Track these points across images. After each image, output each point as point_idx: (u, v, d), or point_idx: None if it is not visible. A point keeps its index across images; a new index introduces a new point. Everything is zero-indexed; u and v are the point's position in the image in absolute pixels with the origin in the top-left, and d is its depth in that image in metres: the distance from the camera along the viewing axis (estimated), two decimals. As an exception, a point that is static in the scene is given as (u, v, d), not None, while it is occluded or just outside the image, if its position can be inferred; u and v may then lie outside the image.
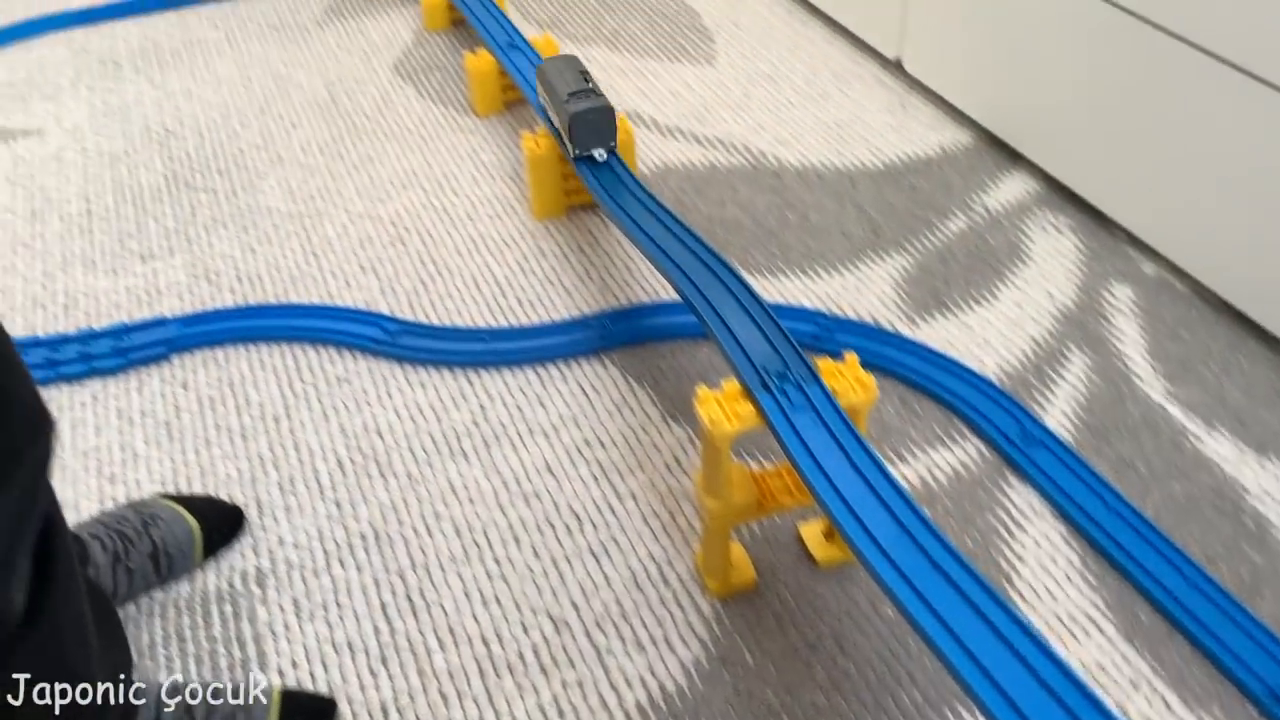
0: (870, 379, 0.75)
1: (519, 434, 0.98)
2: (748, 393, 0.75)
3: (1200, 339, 1.04)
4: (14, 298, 1.17)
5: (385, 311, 1.13)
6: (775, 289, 1.13)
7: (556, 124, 1.14)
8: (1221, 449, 0.93)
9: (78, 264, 1.22)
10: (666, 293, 1.13)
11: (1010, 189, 1.25)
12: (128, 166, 1.38)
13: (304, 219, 1.27)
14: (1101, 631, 0.80)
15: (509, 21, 1.49)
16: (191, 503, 0.89)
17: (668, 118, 1.42)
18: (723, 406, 0.74)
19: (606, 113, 1.09)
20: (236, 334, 1.10)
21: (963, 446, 0.95)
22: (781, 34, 1.60)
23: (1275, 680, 0.74)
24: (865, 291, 1.12)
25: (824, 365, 0.76)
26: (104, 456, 0.98)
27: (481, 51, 1.43)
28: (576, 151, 1.10)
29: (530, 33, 1.60)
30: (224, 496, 0.94)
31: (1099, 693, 0.71)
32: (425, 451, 0.97)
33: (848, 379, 0.76)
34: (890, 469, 0.69)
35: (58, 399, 1.04)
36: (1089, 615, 0.81)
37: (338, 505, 0.93)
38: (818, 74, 1.50)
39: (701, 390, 0.75)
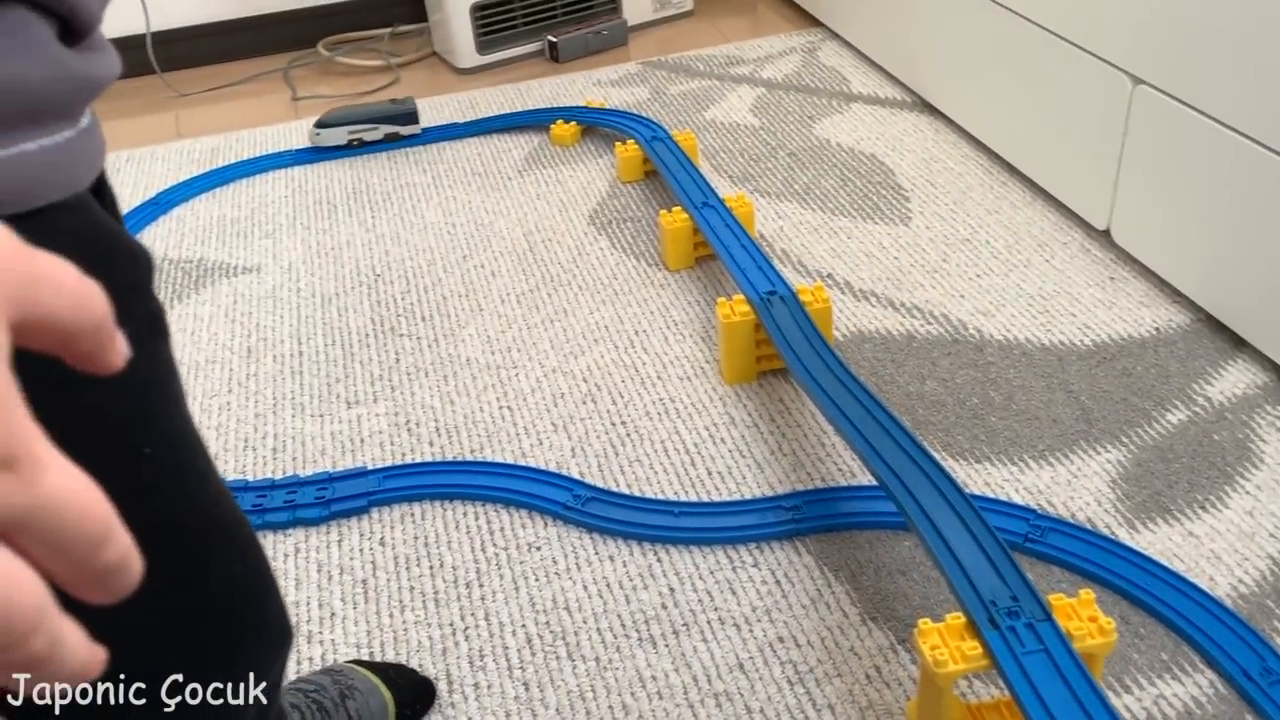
0: (1110, 623, 0.70)
1: (709, 623, 0.96)
2: (974, 629, 0.70)
3: None
4: (228, 437, 1.23)
5: (575, 474, 1.13)
6: (980, 478, 1.08)
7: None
8: None
9: (288, 406, 1.27)
10: (863, 474, 1.10)
11: (1235, 379, 1.18)
12: (338, 309, 1.44)
13: (500, 371, 1.30)
14: None
15: (702, 178, 1.52)
16: (386, 672, 0.90)
17: (862, 281, 1.41)
18: (947, 642, 0.70)
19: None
20: (433, 490, 1.12)
21: (1194, 679, 0.87)
22: (979, 195, 1.57)
23: None
24: (1079, 488, 1.06)
25: (1057, 603, 0.71)
26: (303, 613, 1.00)
27: (676, 210, 1.45)
28: None
29: (723, 188, 1.63)
30: (415, 666, 0.94)
31: None
32: (614, 634, 0.95)
33: (1083, 620, 0.70)
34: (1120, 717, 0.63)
35: (265, 546, 1.07)
36: None
37: (525, 687, 0.91)
38: (1019, 240, 1.46)
39: (924, 624, 0.71)
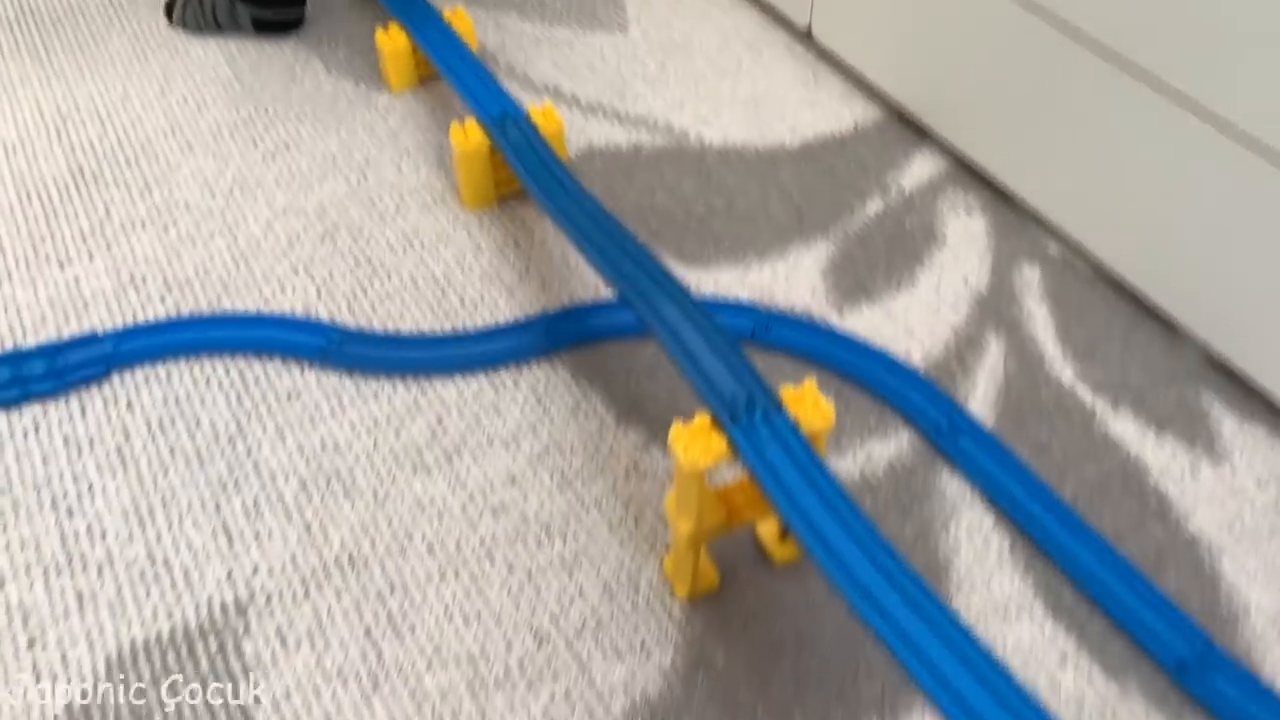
0: (830, 407, 0.81)
1: (479, 445, 1.01)
2: (718, 426, 0.80)
3: (1102, 320, 1.13)
4: (-74, 314, 1.13)
5: (325, 318, 1.13)
6: (710, 281, 1.18)
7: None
8: (1126, 430, 1.03)
9: (-10, 273, 1.17)
10: (605, 290, 1.16)
11: (922, 168, 1.32)
12: (26, 157, 1.31)
13: (225, 214, 1.24)
14: (1031, 614, 0.89)
15: (417, -10, 1.46)
16: None
17: (588, 94, 1.43)
18: (695, 440, 0.79)
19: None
20: (177, 348, 1.08)
21: (896, 439, 1.02)
22: (690, 1, 1.61)
23: (1182, 651, 0.85)
24: (795, 281, 1.18)
25: (786, 394, 0.82)
26: (58, 489, 0.97)
27: (393, 28, 1.40)
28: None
29: None
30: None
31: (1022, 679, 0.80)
32: (387, 468, 0.99)
33: (807, 405, 0.81)
34: (843, 486, 0.75)
35: (-4, 428, 1.02)
36: (1020, 598, 0.90)
37: (308, 529, 0.95)
38: (729, 43, 1.52)
39: (676, 426, 0.80)
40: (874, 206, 1.27)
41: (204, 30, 1.50)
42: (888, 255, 1.21)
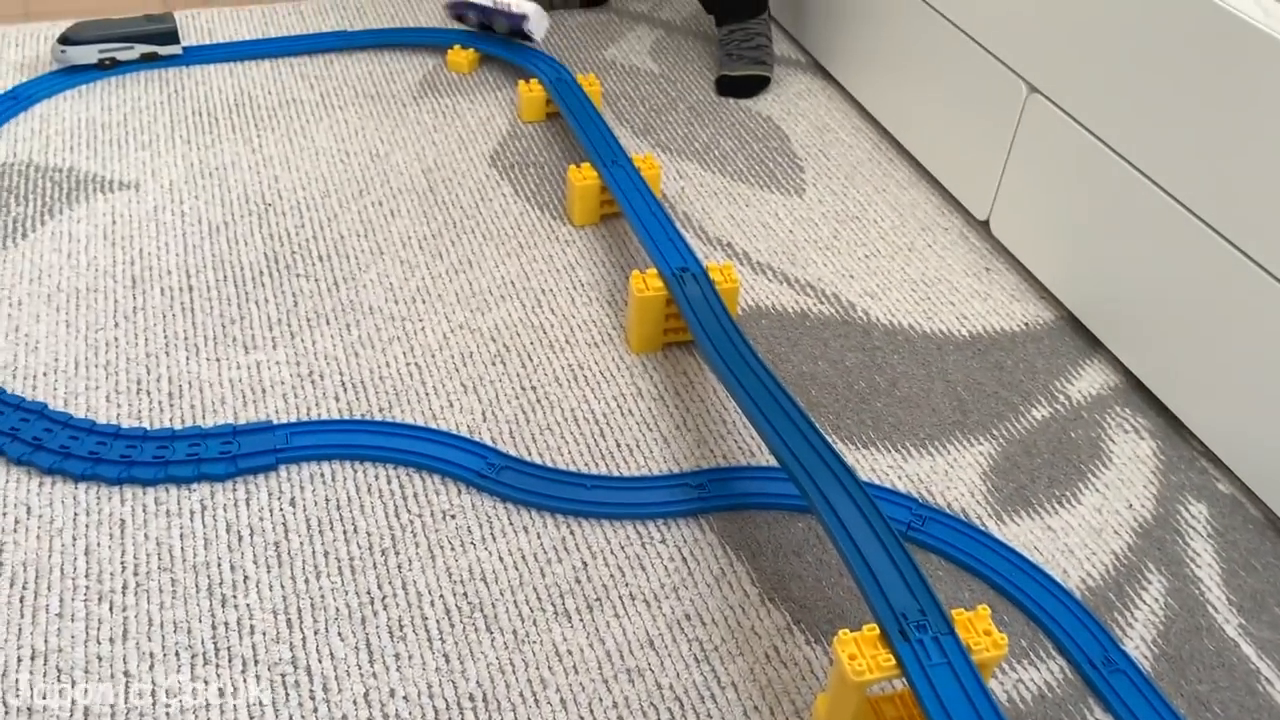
0: (1003, 639, 0.79)
1: (620, 599, 1.01)
2: (887, 639, 0.78)
3: (1273, 573, 1.09)
4: (119, 377, 1.19)
5: (487, 440, 1.15)
6: (867, 464, 1.17)
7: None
8: (1293, 700, 0.97)
9: (181, 347, 1.23)
10: (762, 453, 1.16)
11: (1092, 379, 1.30)
12: (228, 239, 1.39)
13: (405, 323, 1.29)
14: None
15: (609, 131, 1.52)
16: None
17: (759, 252, 1.46)
18: (862, 652, 0.77)
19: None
20: (344, 451, 1.12)
21: (1048, 665, 0.99)
22: (869, 171, 1.64)
23: None
24: (954, 479, 1.16)
25: (958, 617, 0.80)
26: (214, 575, 1.00)
27: (585, 166, 1.46)
28: None
29: (625, 140, 1.63)
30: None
31: None
32: (530, 607, 1.00)
33: (979, 633, 0.79)
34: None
35: (167, 503, 1.06)
36: None
37: (446, 659, 0.95)
38: (905, 221, 1.54)
39: (843, 634, 0.78)
40: (1040, 412, 1.25)
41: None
42: (1051, 466, 1.18)
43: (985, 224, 1.50)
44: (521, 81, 1.68)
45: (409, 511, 1.07)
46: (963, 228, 1.53)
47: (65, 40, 1.64)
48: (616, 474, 1.13)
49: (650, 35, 1.95)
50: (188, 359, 1.22)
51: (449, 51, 1.79)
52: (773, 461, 1.15)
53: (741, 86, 1.74)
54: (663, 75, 1.83)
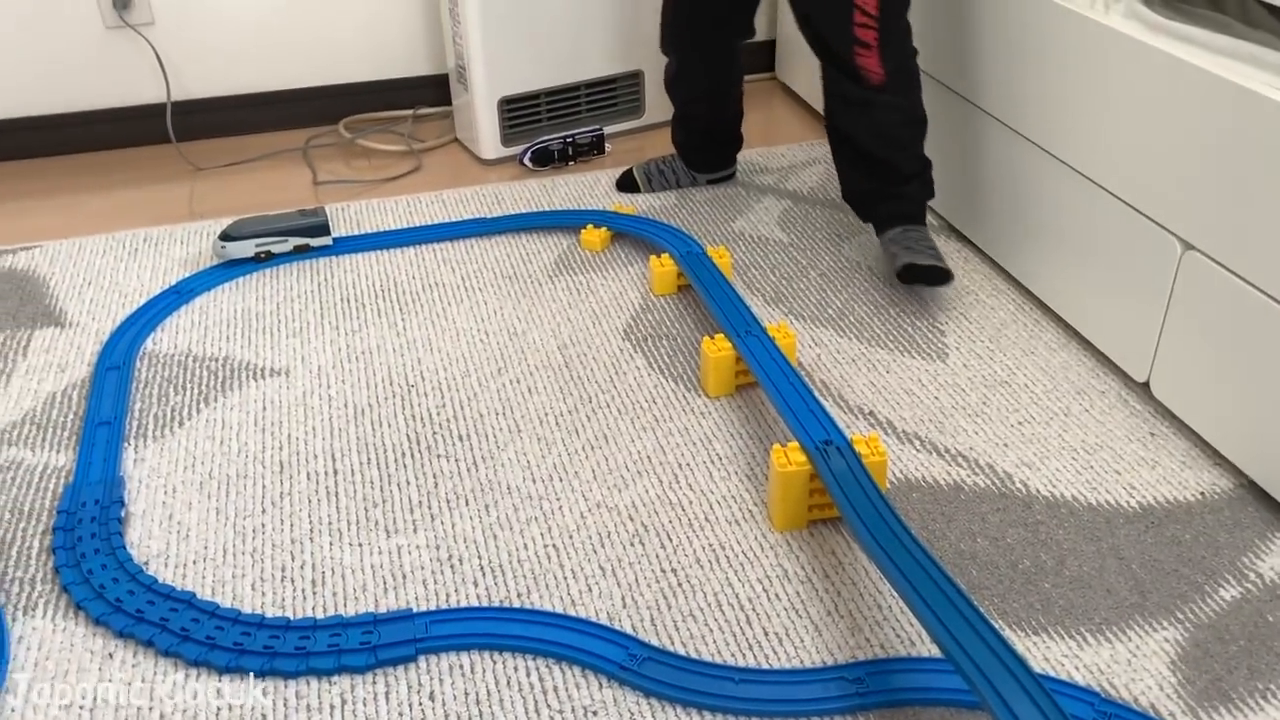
0: None
1: (778, 807, 0.93)
2: None
3: None
4: (264, 565, 1.19)
5: (628, 628, 1.11)
6: (1040, 652, 1.07)
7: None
8: None
9: (325, 532, 1.24)
10: (922, 641, 1.08)
11: (1284, 553, 1.18)
12: (372, 422, 1.41)
13: (543, 502, 1.27)
14: None
15: (742, 302, 1.51)
16: None
17: (904, 421, 1.40)
18: None
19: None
20: (483, 641, 1.09)
21: None
22: (1014, 334, 1.58)
23: None
24: (1139, 669, 1.05)
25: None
26: (354, 776, 0.97)
27: (719, 337, 1.45)
28: None
29: (757, 308, 1.62)
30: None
31: None
32: (680, 816, 0.93)
33: None
34: None
35: (308, 696, 1.04)
36: None
37: None
38: (1058, 385, 1.47)
39: None
40: (1229, 592, 1.14)
41: (668, 188, 1.99)
42: (1249, 655, 1.07)
43: (1145, 385, 1.42)
44: (653, 256, 1.70)
45: (549, 707, 1.03)
46: (1121, 390, 1.45)
47: (225, 236, 1.74)
48: (766, 665, 1.06)
49: (778, 206, 1.97)
50: (331, 544, 1.22)
51: (582, 231, 1.83)
52: (935, 651, 1.07)
53: (929, 275, 1.59)
54: (792, 244, 1.84)
